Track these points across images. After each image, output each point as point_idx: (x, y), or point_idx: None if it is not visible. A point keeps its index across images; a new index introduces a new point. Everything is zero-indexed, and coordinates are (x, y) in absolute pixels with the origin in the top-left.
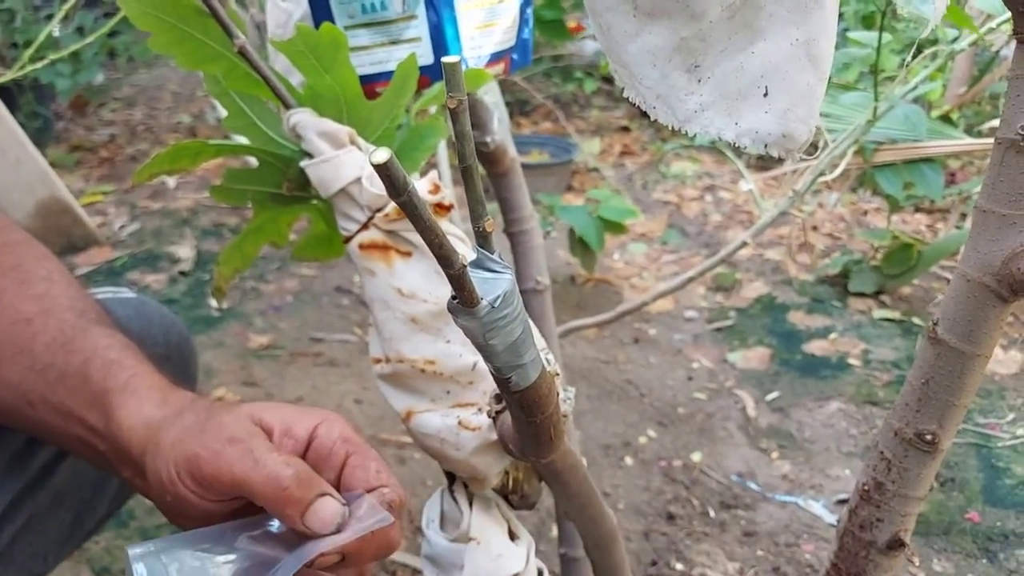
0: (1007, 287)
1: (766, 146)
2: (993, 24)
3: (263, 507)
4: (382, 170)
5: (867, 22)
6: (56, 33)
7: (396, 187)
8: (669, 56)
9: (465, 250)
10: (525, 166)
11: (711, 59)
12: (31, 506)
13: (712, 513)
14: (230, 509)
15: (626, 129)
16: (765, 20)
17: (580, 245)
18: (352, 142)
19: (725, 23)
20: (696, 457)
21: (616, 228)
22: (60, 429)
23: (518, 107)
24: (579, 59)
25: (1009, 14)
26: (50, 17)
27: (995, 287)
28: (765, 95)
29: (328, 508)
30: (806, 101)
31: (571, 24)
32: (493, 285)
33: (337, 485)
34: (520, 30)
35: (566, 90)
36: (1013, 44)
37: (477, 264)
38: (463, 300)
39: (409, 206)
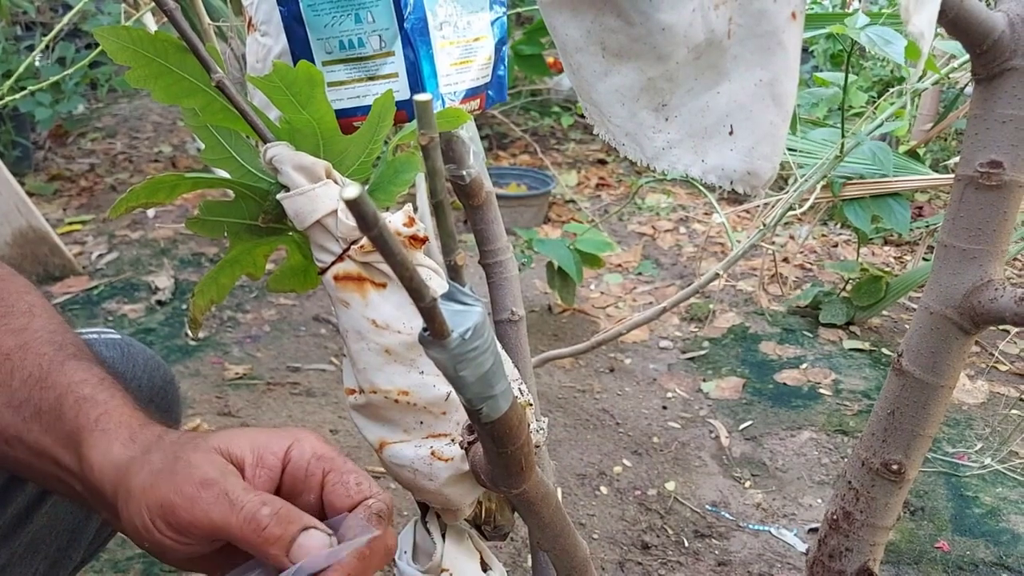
0: (969, 320)
1: (732, 183)
2: (955, 64)
3: (245, 550)
4: (353, 205)
5: (836, 61)
6: (37, 63)
7: (367, 221)
8: (637, 95)
9: (439, 282)
10: (504, 198)
11: (678, 98)
12: (5, 554)
13: (686, 542)
14: (212, 550)
15: (602, 162)
16: (730, 61)
17: (558, 277)
18: (328, 176)
19: (691, 64)
20: (671, 486)
21: (593, 261)
22: (37, 468)
23: (497, 140)
24: (556, 94)
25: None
26: (31, 47)
27: (957, 320)
28: (730, 133)
29: (314, 540)
30: (770, 139)
31: (549, 60)
32: (464, 317)
33: (320, 505)
34: (496, 67)
35: (544, 124)
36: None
37: (448, 296)
38: (434, 332)
39: (380, 240)
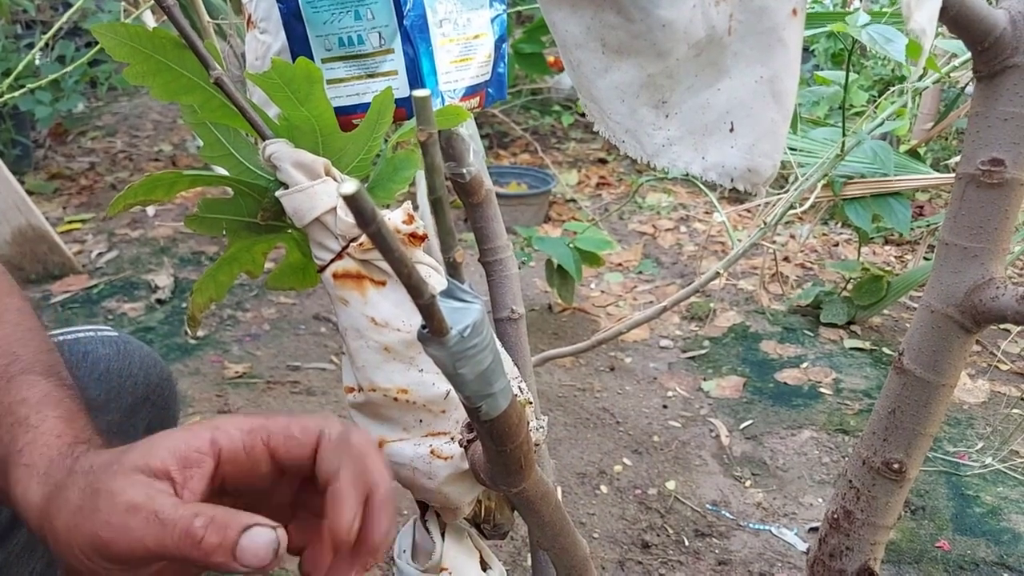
0: (970, 318)
1: (732, 180)
2: (956, 63)
3: (191, 565)
4: (351, 201)
5: (837, 59)
6: (37, 61)
7: (365, 217)
8: (637, 92)
9: (439, 280)
10: (505, 196)
11: (678, 95)
12: (2, 555)
13: (687, 542)
14: (157, 570)
15: (603, 161)
16: (730, 58)
17: (558, 276)
18: (327, 173)
19: (691, 61)
20: (671, 485)
21: (593, 260)
22: None
23: (497, 139)
24: (557, 93)
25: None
26: (31, 46)
27: (958, 318)
28: (731, 131)
29: (258, 539)
30: (771, 137)
31: (550, 59)
32: (463, 315)
33: (280, 470)
34: (495, 65)
35: (544, 123)
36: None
37: (447, 294)
38: (433, 329)
39: (378, 236)
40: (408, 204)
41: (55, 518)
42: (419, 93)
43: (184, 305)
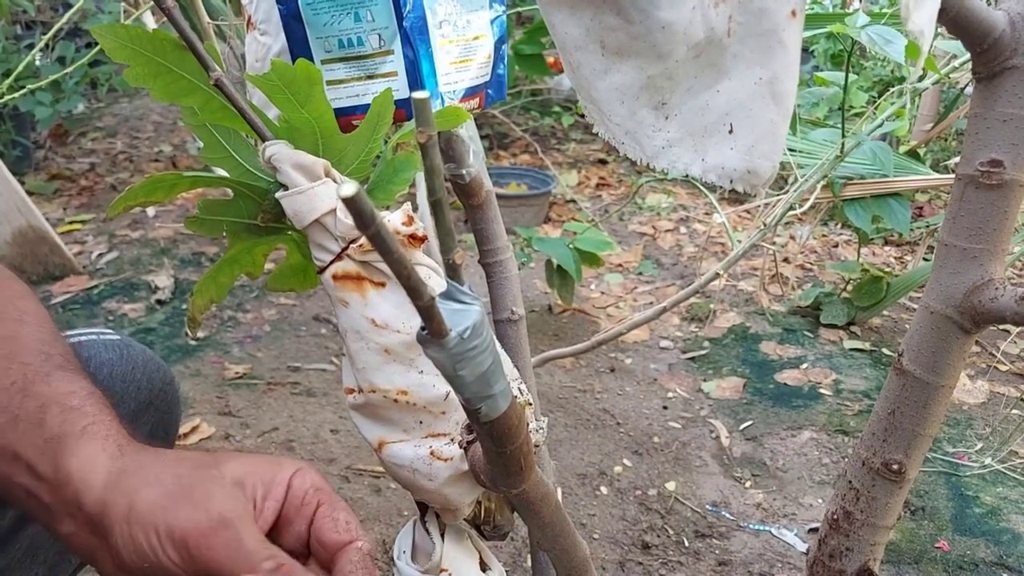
0: (969, 319)
1: (732, 181)
2: (956, 63)
3: None
4: (350, 203)
5: (836, 60)
6: (37, 62)
7: (364, 219)
8: (637, 94)
9: (438, 281)
10: (504, 197)
11: (678, 97)
12: (4, 559)
13: (687, 542)
14: None
15: (603, 162)
16: (730, 60)
17: (558, 276)
18: (327, 174)
19: (691, 62)
20: (671, 486)
21: (592, 260)
22: (4, 476)
23: (497, 140)
24: (557, 94)
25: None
26: (31, 46)
27: (958, 319)
28: (730, 132)
29: None
30: (770, 138)
31: (550, 60)
32: (462, 316)
33: (307, 536)
34: (495, 66)
35: (544, 124)
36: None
37: (447, 295)
38: (432, 331)
39: (377, 238)
40: (408, 205)
41: (140, 491)
42: (418, 95)
43: (184, 306)
